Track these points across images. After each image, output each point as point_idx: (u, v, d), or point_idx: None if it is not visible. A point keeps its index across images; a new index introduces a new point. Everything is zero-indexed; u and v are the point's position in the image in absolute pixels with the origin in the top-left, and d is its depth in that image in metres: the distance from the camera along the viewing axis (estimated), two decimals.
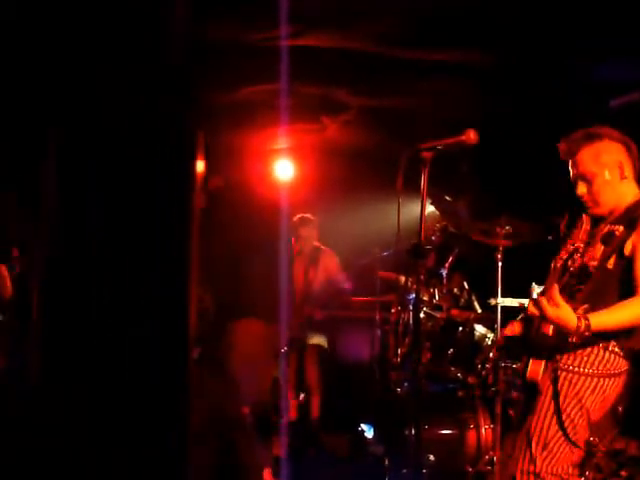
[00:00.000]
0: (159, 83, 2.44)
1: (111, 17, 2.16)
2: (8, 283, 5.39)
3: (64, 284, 2.32)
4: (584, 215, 3.70)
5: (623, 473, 4.76)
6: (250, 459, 3.49)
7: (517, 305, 5.06)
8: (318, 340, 6.97)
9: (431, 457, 4.72)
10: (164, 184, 2.54)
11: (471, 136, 3.73)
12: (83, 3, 2.07)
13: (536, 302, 3.29)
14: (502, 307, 4.96)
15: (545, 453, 3.46)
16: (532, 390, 3.54)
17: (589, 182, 3.50)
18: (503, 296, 4.96)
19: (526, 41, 4.91)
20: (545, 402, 3.48)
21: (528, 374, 3.47)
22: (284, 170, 7.53)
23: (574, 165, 3.54)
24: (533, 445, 3.47)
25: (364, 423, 5.77)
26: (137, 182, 2.46)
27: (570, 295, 3.39)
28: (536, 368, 3.46)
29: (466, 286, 5.75)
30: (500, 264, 4.97)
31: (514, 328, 3.83)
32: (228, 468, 3.41)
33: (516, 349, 3.83)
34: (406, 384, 5.35)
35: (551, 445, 3.46)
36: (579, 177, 3.52)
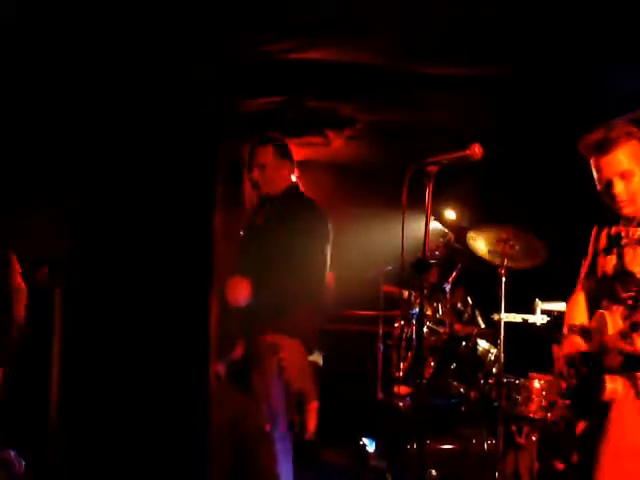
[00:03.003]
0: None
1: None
2: (23, 298, 5.16)
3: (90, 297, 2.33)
4: (595, 225, 3.64)
5: None
6: (269, 473, 3.50)
7: (520, 321, 5.06)
8: (314, 357, 7.01)
9: (433, 472, 4.72)
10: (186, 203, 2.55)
11: (476, 151, 3.74)
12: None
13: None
14: (505, 322, 4.96)
15: None
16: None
17: (627, 180, 3.30)
18: (506, 311, 4.96)
19: (536, 55, 4.92)
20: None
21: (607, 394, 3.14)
22: None
23: (610, 162, 3.34)
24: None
25: (366, 437, 5.76)
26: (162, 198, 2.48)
27: (627, 305, 3.20)
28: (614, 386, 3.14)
29: (469, 301, 5.76)
30: (503, 279, 4.97)
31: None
32: (242, 472, 3.42)
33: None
34: (409, 399, 5.35)
35: None
36: (616, 174, 3.31)
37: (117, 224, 2.91)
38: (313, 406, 6.93)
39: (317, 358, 7.01)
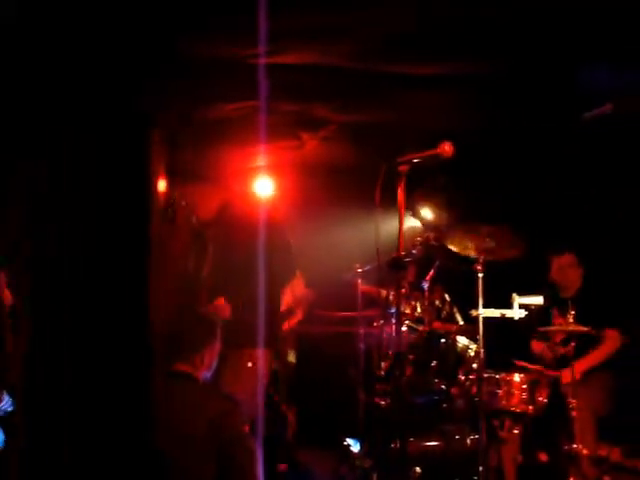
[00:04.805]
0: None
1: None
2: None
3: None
4: None
5: (606, 479, 4.82)
6: (250, 476, 3.51)
7: (499, 316, 5.10)
8: (291, 358, 7.07)
9: (417, 469, 4.74)
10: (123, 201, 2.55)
11: (446, 149, 3.78)
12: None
13: None
14: (484, 318, 5.00)
15: None
16: None
17: None
18: (484, 307, 4.99)
19: (508, 55, 4.96)
20: None
21: None
22: (263, 187, 7.55)
23: None
24: None
25: (350, 438, 5.78)
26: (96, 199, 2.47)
27: None
28: None
29: (447, 298, 5.80)
30: (481, 275, 5.01)
31: None
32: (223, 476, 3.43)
33: None
34: (390, 397, 5.37)
35: None
36: None
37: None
38: (290, 408, 6.99)
39: (291, 358, 7.07)
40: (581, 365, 5.35)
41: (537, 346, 5.85)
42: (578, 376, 5.18)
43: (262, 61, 4.63)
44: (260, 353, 4.33)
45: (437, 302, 5.75)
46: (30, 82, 3.00)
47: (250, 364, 5.34)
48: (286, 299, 7.18)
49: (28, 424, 2.29)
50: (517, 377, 5.14)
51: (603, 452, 5.10)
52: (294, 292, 7.21)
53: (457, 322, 5.71)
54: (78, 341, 2.32)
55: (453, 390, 5.25)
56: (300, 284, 7.25)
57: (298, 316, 7.15)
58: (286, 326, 7.08)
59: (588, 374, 5.41)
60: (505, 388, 5.09)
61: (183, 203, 6.69)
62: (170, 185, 6.00)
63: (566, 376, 5.20)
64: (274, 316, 6.27)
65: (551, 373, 5.42)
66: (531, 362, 5.61)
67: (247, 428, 3.91)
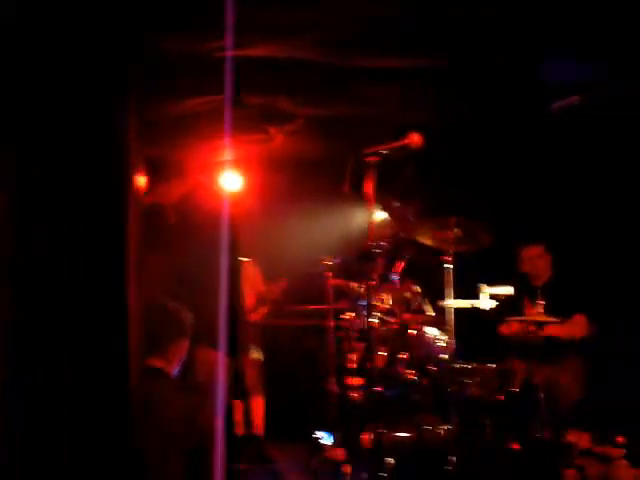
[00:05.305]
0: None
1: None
2: None
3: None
4: None
5: (576, 464, 4.88)
6: (222, 468, 3.50)
7: (468, 306, 5.14)
8: (256, 355, 7.08)
9: (390, 461, 4.75)
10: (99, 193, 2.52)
11: (414, 139, 3.80)
12: None
13: None
14: (453, 309, 5.03)
15: None
16: None
17: None
18: (454, 298, 5.03)
19: (469, 46, 4.98)
20: None
21: None
22: (231, 182, 7.51)
23: None
24: None
25: (322, 430, 5.78)
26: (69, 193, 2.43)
27: None
28: None
29: (417, 290, 5.80)
30: (450, 267, 5.04)
31: None
32: (200, 472, 3.42)
33: None
34: (361, 389, 5.38)
35: None
36: None
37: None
38: (259, 402, 7.00)
39: (258, 355, 7.08)
40: (550, 329, 5.42)
41: (507, 328, 5.91)
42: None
43: (229, 54, 4.60)
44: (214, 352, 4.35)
45: (407, 294, 5.75)
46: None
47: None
48: (248, 296, 7.18)
49: (2, 422, 2.26)
50: (488, 367, 5.18)
51: (572, 438, 5.16)
52: (255, 288, 7.20)
53: (427, 313, 5.72)
54: (54, 336, 2.30)
55: (424, 381, 5.27)
56: (259, 280, 7.24)
57: (262, 312, 7.14)
58: (251, 322, 7.08)
59: (558, 361, 5.49)
60: (476, 378, 5.13)
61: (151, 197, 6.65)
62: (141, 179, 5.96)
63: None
64: (233, 316, 6.28)
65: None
66: (501, 348, 5.69)
67: (219, 422, 3.89)
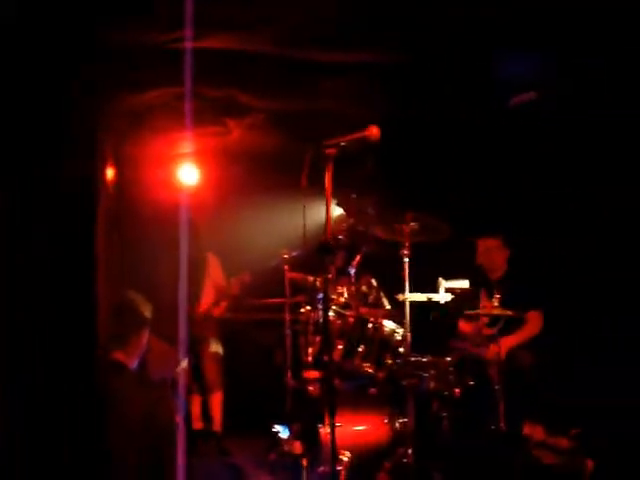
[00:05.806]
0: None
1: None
2: None
3: None
4: None
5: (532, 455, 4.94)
6: (182, 463, 3.48)
7: (425, 300, 5.16)
8: (215, 348, 7.05)
9: (347, 454, 4.76)
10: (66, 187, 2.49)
11: (373, 132, 3.79)
12: None
13: None
14: (410, 302, 5.05)
15: None
16: None
17: None
18: (411, 292, 5.04)
19: (428, 40, 5.00)
20: None
21: None
22: (188, 175, 7.47)
23: None
24: None
25: (279, 424, 5.78)
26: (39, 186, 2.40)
27: None
28: None
29: (374, 284, 5.82)
30: (406, 260, 5.05)
31: None
32: (159, 469, 3.39)
33: None
34: (318, 383, 5.38)
35: None
36: None
37: None
38: (217, 397, 6.97)
39: (217, 348, 7.06)
40: (506, 342, 5.51)
41: (465, 327, 5.99)
42: (503, 354, 5.35)
43: (187, 45, 4.56)
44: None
45: (364, 287, 5.77)
46: None
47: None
48: (207, 291, 7.16)
49: None
50: (444, 360, 5.22)
51: (527, 430, 5.22)
52: (215, 283, 7.18)
53: (384, 307, 5.74)
54: (25, 333, 2.26)
55: (380, 374, 5.29)
56: (219, 275, 7.22)
57: (223, 306, 7.12)
58: (211, 316, 7.06)
59: (510, 353, 5.55)
60: (432, 371, 5.16)
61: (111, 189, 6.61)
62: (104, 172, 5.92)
63: (490, 353, 5.37)
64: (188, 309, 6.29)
65: (477, 351, 5.56)
66: (459, 342, 5.76)
67: (179, 418, 3.87)
